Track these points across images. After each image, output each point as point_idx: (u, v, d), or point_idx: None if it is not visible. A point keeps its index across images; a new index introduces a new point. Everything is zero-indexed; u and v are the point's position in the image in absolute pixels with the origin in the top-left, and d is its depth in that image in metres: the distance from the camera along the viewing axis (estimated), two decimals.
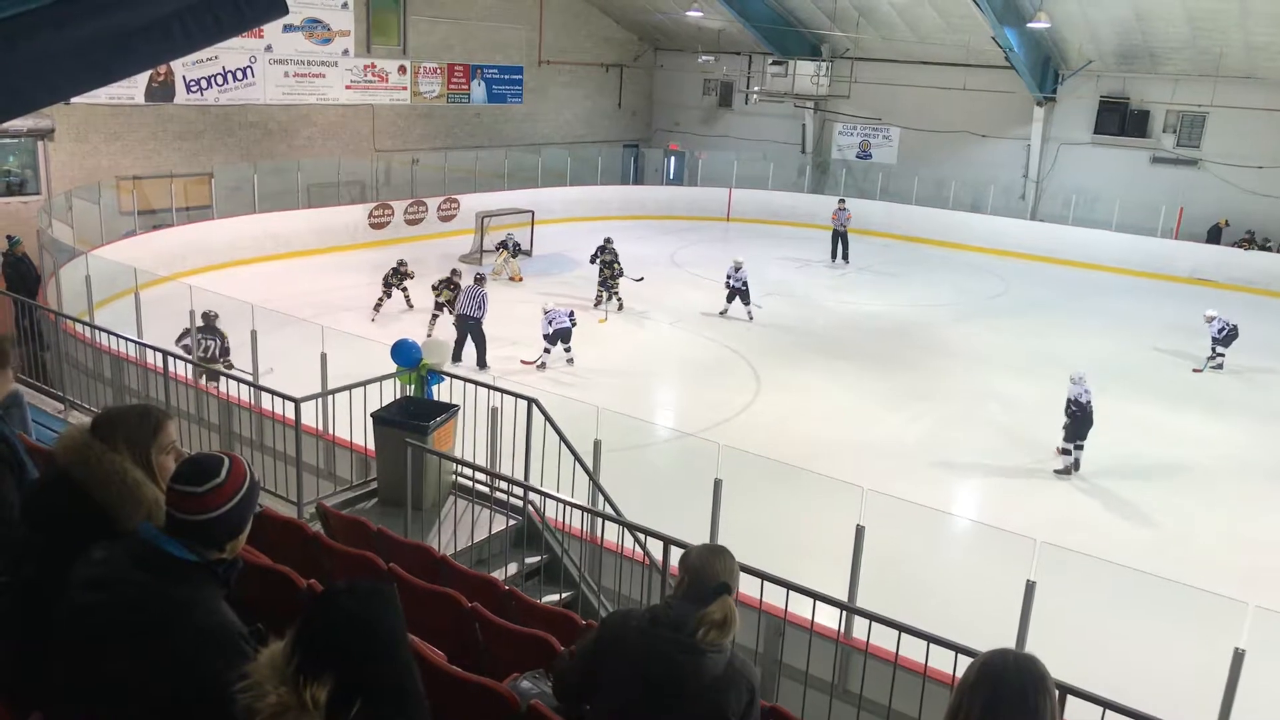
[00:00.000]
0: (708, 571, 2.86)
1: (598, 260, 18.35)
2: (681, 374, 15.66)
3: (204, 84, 21.03)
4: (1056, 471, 11.89)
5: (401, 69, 24.72)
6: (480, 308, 14.56)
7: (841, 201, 24.02)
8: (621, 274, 18.05)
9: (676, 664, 2.74)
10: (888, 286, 21.30)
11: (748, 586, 6.00)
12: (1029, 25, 22.44)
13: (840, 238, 23.25)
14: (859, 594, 6.78)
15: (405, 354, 7.50)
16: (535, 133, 28.34)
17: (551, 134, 28.70)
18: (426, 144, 25.66)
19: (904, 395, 14.42)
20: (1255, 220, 23.04)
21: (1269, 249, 22.65)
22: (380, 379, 7.67)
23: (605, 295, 18.00)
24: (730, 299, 17.62)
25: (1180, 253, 23.00)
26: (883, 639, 5.63)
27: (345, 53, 23.32)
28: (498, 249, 20.53)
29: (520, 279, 20.31)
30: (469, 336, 14.53)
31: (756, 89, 28.37)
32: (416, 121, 25.57)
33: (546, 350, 14.66)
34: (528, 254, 20.97)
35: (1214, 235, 23.42)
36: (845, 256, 23.23)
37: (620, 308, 17.94)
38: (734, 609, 2.77)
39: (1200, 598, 7.42)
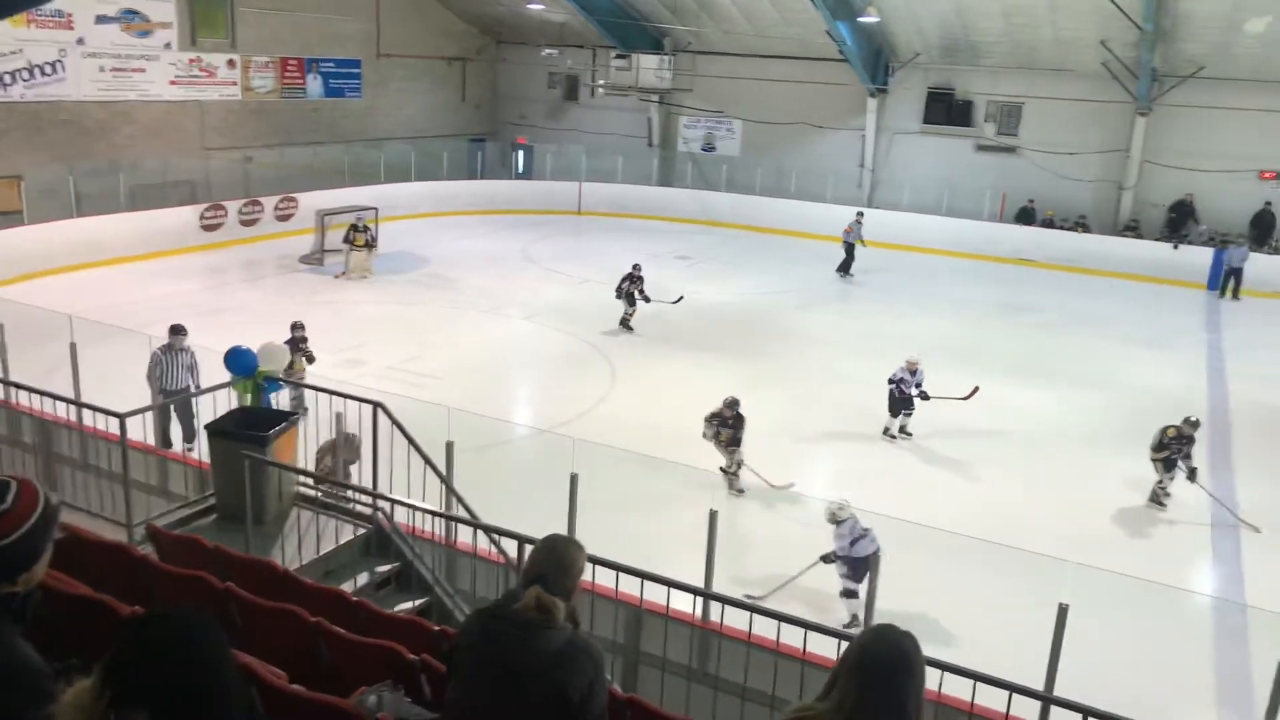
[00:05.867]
0: (530, 562, 2.94)
1: (629, 289, 16.92)
2: (536, 369, 15.58)
3: (6, 79, 19.49)
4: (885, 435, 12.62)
5: (231, 63, 23.58)
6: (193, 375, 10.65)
7: (860, 214, 22.79)
8: (647, 300, 16.87)
9: (509, 641, 2.74)
10: (735, 276, 21.75)
11: (604, 578, 6.04)
12: (860, 20, 23.38)
13: (849, 250, 22.11)
14: (715, 579, 6.90)
15: (240, 361, 7.16)
16: (377, 127, 27.58)
17: (394, 129, 27.99)
18: (261, 141, 24.57)
19: (756, 381, 14.76)
20: (1069, 203, 24.72)
21: (1085, 228, 24.36)
22: (214, 389, 7.30)
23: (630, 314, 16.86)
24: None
25: (1003, 235, 24.45)
26: (740, 621, 5.77)
27: (168, 46, 22.05)
28: (345, 241, 19.85)
29: (370, 274, 19.75)
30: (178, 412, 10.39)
31: (601, 82, 28.46)
32: (249, 118, 24.46)
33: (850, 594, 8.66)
34: (372, 246, 20.30)
35: (1024, 217, 25.00)
36: (847, 270, 22.14)
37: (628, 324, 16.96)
38: (549, 599, 2.76)
39: (1028, 558, 7.92)
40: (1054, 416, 13.77)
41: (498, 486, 10.42)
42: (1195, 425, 11.35)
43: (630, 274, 16.82)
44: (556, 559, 2.89)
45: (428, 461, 6.99)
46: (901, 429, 12.72)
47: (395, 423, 7.15)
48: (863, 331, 17.76)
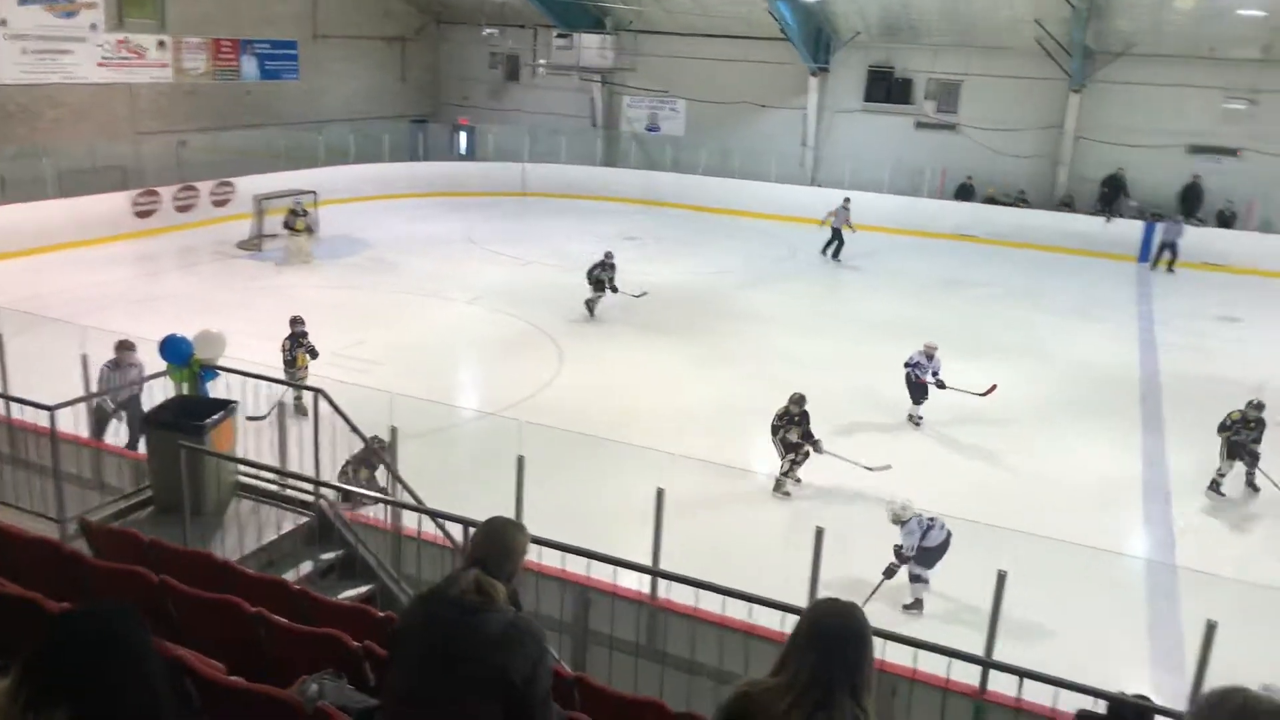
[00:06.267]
0: (471, 545, 2.96)
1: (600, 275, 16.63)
2: (482, 353, 15.47)
3: None
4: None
5: (161, 44, 22.90)
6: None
7: (847, 200, 22.46)
8: (615, 290, 16.57)
9: (449, 624, 2.73)
10: (682, 256, 21.79)
11: (553, 559, 6.05)
12: None
13: (836, 234, 21.88)
14: (662, 557, 6.94)
15: (175, 350, 7.01)
16: (315, 110, 27.03)
17: (332, 111, 27.46)
18: (194, 124, 23.95)
19: (702, 361, 14.84)
20: (1007, 179, 25.14)
21: (1025, 204, 24.80)
22: (149, 378, 7.14)
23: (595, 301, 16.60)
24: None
25: (944, 211, 24.78)
26: (690, 598, 5.82)
27: (94, 27, 21.33)
28: (285, 227, 19.47)
29: (310, 259, 19.43)
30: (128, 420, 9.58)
31: (543, 62, 28.19)
32: (182, 101, 23.82)
33: (918, 579, 8.67)
34: (312, 231, 19.94)
35: (963, 193, 25.37)
36: (836, 254, 21.87)
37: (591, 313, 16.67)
38: (488, 581, 2.76)
39: (969, 527, 8.09)
40: (1006, 389, 14.02)
41: (445, 471, 10.38)
42: (1259, 408, 11.06)
43: (603, 261, 16.71)
44: (497, 542, 2.88)
45: (371, 448, 6.92)
46: (910, 416, 12.49)
47: (337, 409, 7.06)
48: (809, 310, 17.92)
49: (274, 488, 6.84)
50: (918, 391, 12.42)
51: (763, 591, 5.00)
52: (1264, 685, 5.97)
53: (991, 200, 25.10)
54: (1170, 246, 22.25)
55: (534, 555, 6.41)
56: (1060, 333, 16.92)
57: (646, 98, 29.17)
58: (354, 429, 6.95)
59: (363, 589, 6.19)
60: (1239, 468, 11.00)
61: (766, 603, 4.80)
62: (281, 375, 7.46)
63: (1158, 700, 5.61)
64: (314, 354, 11.78)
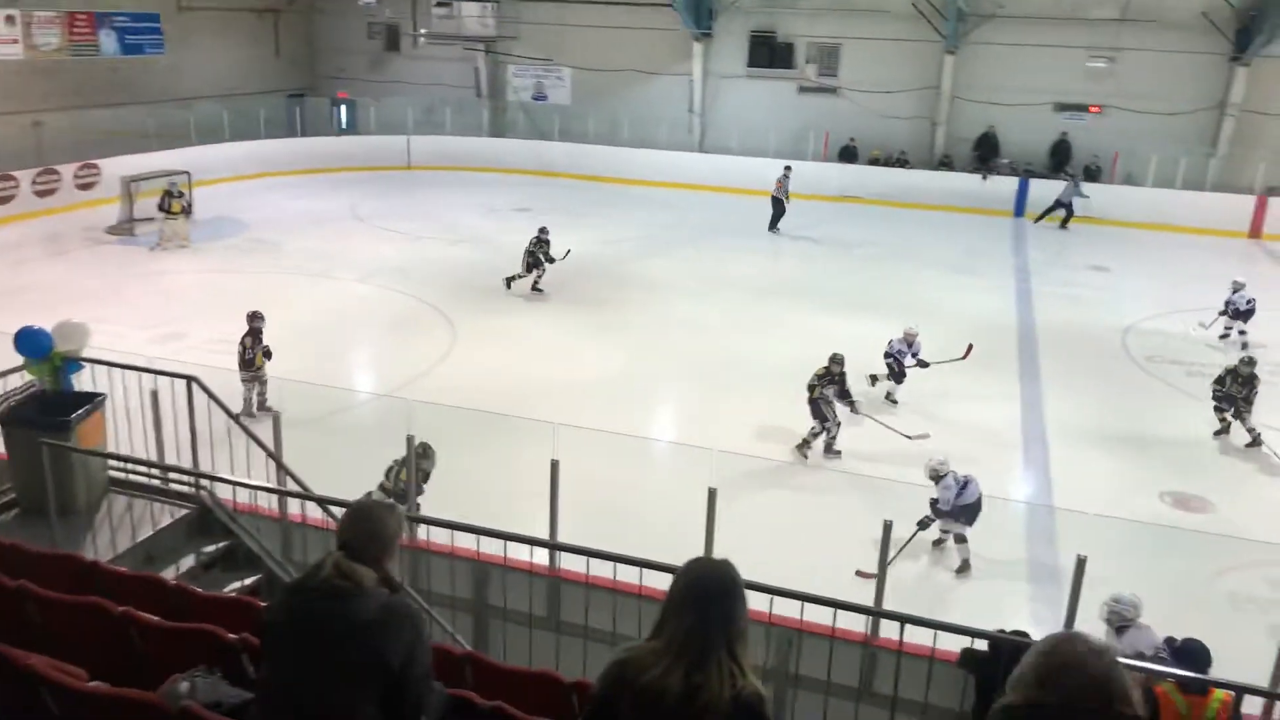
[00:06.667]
0: (338, 529, 2.89)
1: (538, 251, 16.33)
2: (373, 332, 15.13)
3: None
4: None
5: (9, 19, 21.46)
6: None
7: (787, 168, 22.13)
8: (552, 260, 16.31)
9: (317, 612, 2.69)
10: (574, 227, 21.55)
11: (446, 537, 5.98)
12: None
13: (778, 205, 21.59)
14: (561, 529, 6.94)
15: (31, 343, 6.63)
16: (184, 86, 25.78)
17: (203, 87, 26.24)
18: (52, 104, 22.57)
19: (599, 330, 14.84)
20: (888, 140, 25.72)
21: (906, 164, 25.41)
22: (4, 374, 6.76)
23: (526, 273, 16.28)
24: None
25: (829, 174, 25.20)
26: (596, 569, 5.83)
27: None
28: (161, 209, 18.59)
29: (187, 243, 18.64)
30: None
31: (423, 31, 27.52)
32: (35, 79, 22.40)
33: (962, 539, 8.79)
34: (189, 213, 19.09)
35: (847, 155, 25.87)
36: (774, 225, 21.68)
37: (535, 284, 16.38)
38: (349, 565, 2.72)
39: (863, 481, 8.31)
40: (881, 344, 14.38)
41: (337, 455, 10.14)
42: (1250, 364, 11.47)
43: (538, 237, 16.42)
44: (362, 524, 2.83)
45: (251, 436, 6.71)
46: (888, 395, 12.46)
47: (213, 397, 6.81)
48: (703, 275, 18.04)
49: (154, 482, 6.58)
50: (899, 376, 12.41)
51: (664, 554, 5.05)
52: (1112, 597, 6.36)
53: (874, 162, 25.67)
54: (1067, 205, 22.93)
55: (429, 534, 6.34)
56: (942, 288, 17.46)
57: (532, 66, 28.78)
58: (232, 417, 6.73)
59: (250, 579, 6.02)
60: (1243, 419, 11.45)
61: (656, 566, 4.85)
62: (154, 364, 7.13)
63: (1036, 635, 5.91)
64: (269, 354, 11.25)
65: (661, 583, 5.08)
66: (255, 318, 11.27)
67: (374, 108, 28.33)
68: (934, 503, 8.58)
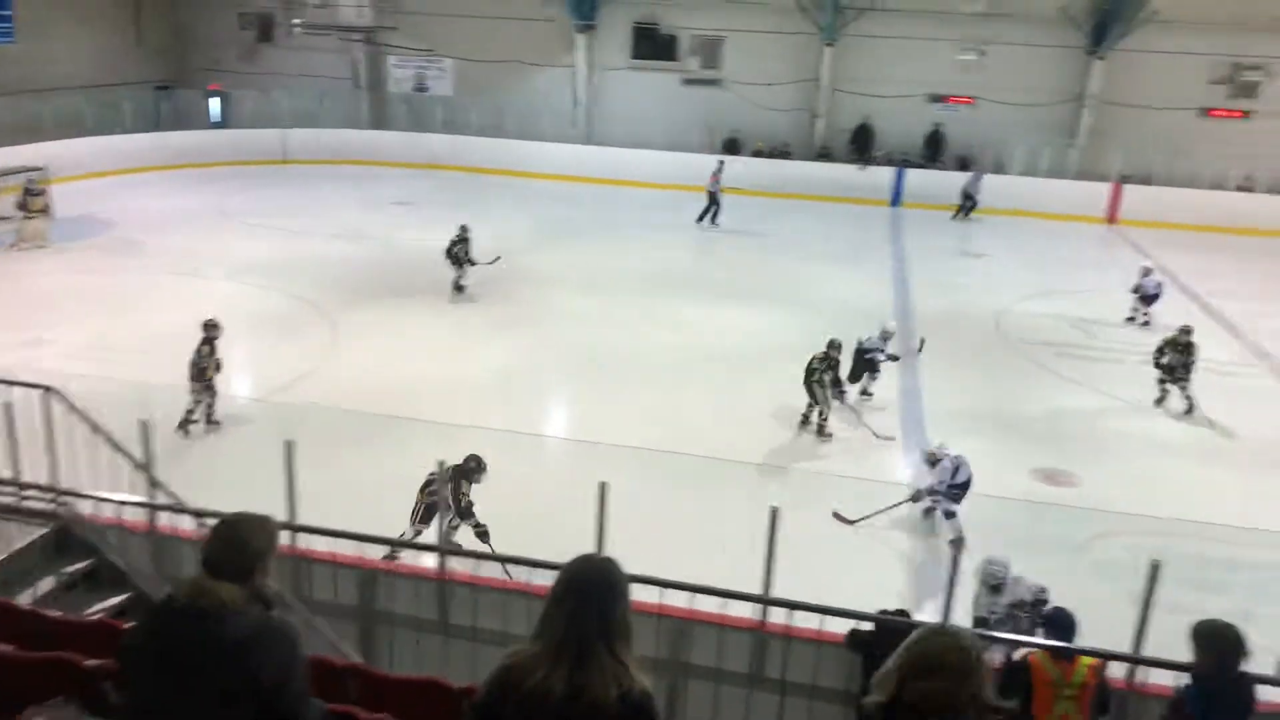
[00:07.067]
0: (204, 545, 2.79)
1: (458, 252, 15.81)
2: (248, 333, 14.48)
3: None
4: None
5: None
6: None
7: (721, 162, 22.20)
8: (473, 263, 15.83)
9: (185, 635, 2.58)
10: (458, 220, 21.17)
11: (337, 547, 5.82)
12: None
13: (712, 198, 21.55)
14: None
15: None
16: (39, 77, 24.25)
17: (60, 78, 24.76)
18: None
19: (487, 326, 14.64)
20: (770, 132, 26.16)
21: (788, 156, 25.90)
22: None
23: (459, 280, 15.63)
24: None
25: (712, 166, 25.41)
26: (486, 570, 5.77)
27: None
28: (19, 207, 17.50)
29: (46, 243, 17.60)
30: None
31: (297, 21, 26.63)
32: None
33: (951, 514, 9.17)
34: (48, 211, 18.03)
35: (730, 147, 26.21)
36: (714, 219, 21.62)
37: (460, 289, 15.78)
38: (208, 584, 2.63)
39: (735, 468, 8.41)
40: (764, 334, 14.66)
41: (212, 464, 9.76)
42: (1187, 333, 12.17)
43: (459, 236, 15.96)
44: (227, 541, 2.71)
45: (117, 447, 6.37)
46: (864, 390, 12.42)
47: (74, 408, 6.43)
48: (592, 269, 18.00)
49: (6, 500, 6.18)
50: (874, 371, 12.43)
51: (553, 551, 5.01)
52: (986, 559, 6.69)
53: (758, 153, 26.07)
54: (971, 196, 23.56)
55: (310, 542, 6.15)
56: (824, 277, 17.87)
57: (412, 57, 28.20)
58: (95, 428, 6.35)
59: (116, 599, 5.71)
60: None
61: (545, 564, 4.82)
62: (11, 374, 6.71)
63: (920, 616, 6.11)
64: (219, 367, 10.64)
65: (550, 578, 5.07)
66: (211, 327, 10.66)
67: (248, 100, 27.29)
68: (930, 487, 9.13)
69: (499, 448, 10.03)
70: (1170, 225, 23.04)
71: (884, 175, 25.02)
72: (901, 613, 6.07)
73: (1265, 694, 4.76)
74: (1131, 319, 15.96)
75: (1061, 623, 5.68)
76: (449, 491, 7.78)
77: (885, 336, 12.36)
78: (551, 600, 2.58)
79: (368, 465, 9.45)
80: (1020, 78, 24.80)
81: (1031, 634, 5.89)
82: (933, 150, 25.61)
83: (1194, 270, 19.03)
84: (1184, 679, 4.83)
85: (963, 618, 6.68)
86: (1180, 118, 24.36)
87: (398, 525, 7.71)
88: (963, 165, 25.06)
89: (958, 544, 8.88)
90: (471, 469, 7.90)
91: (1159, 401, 12.43)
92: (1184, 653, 4.79)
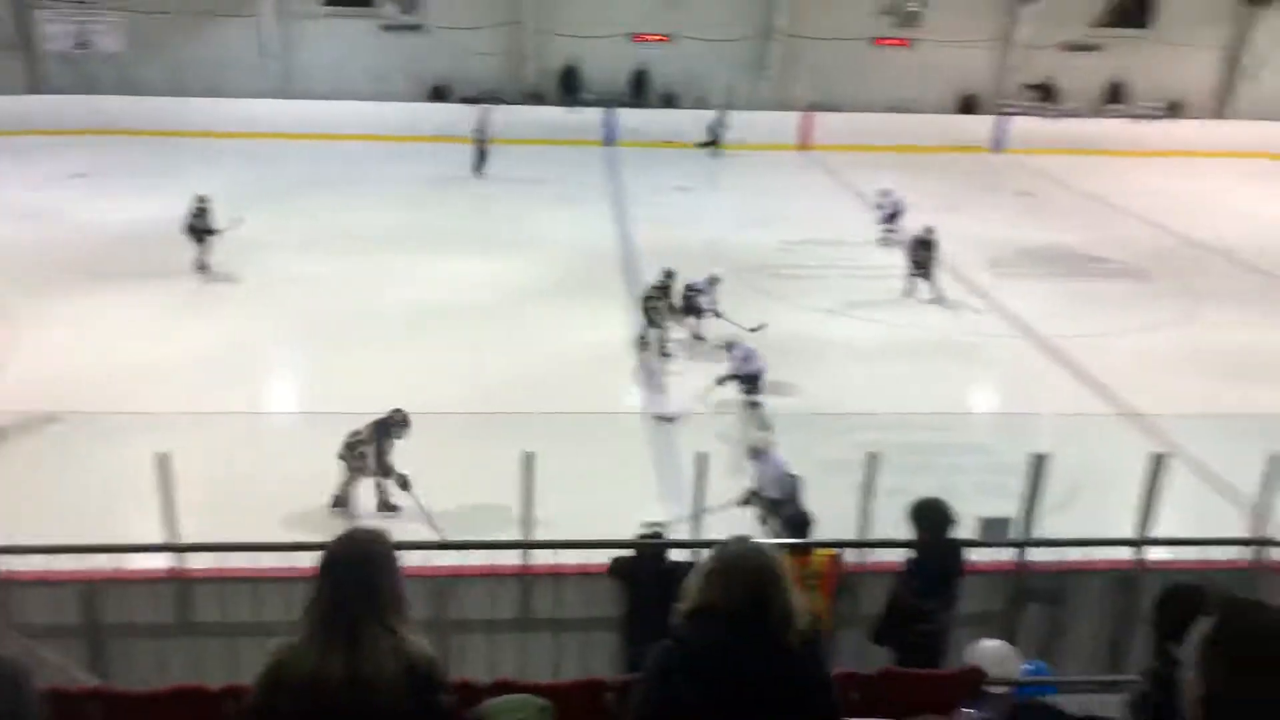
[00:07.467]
0: None
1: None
2: None
3: None
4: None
5: None
6: None
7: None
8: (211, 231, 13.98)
9: None
10: (145, 190, 19.32)
11: (26, 562, 5.23)
12: None
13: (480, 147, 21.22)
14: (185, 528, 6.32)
15: None
16: None
17: None
18: None
19: (194, 302, 13.57)
20: (480, 77, 25.73)
21: (499, 101, 25.59)
22: None
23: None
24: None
25: (423, 114, 24.82)
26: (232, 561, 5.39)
27: None
28: None
29: None
30: None
31: None
32: None
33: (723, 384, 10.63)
34: None
35: (438, 94, 25.62)
36: (480, 168, 21.44)
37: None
38: None
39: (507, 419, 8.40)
40: (500, 281, 14.59)
41: None
42: (930, 231, 13.94)
43: (198, 207, 14.30)
44: None
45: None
46: (694, 334, 12.38)
47: None
48: (303, 229, 17.03)
49: None
50: (698, 312, 12.41)
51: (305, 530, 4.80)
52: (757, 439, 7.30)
53: (467, 99, 25.56)
54: (716, 134, 24.29)
55: (9, 563, 5.47)
56: (549, 221, 17.99)
57: (70, 10, 25.03)
58: None
59: None
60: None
61: (303, 546, 4.60)
62: None
63: (670, 532, 6.40)
64: None
65: (308, 560, 4.85)
66: None
67: None
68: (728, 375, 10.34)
69: (227, 430, 9.41)
70: (856, 147, 25.08)
71: (594, 116, 25.38)
72: (655, 535, 6.32)
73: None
74: (885, 241, 16.77)
75: (796, 521, 6.29)
76: (372, 450, 7.64)
77: (712, 281, 12.70)
78: (312, 585, 2.50)
79: (71, 467, 8.55)
80: (713, 14, 25.90)
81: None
82: (638, 89, 26.27)
83: (875, 186, 20.78)
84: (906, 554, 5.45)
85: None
86: (855, 47, 26.48)
87: (119, 529, 7.02)
88: (667, 102, 25.91)
89: (766, 427, 9.48)
90: (397, 422, 7.79)
91: (907, 294, 14.18)
92: (904, 531, 5.40)
